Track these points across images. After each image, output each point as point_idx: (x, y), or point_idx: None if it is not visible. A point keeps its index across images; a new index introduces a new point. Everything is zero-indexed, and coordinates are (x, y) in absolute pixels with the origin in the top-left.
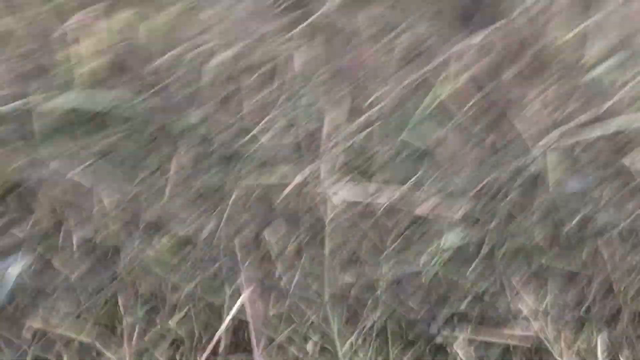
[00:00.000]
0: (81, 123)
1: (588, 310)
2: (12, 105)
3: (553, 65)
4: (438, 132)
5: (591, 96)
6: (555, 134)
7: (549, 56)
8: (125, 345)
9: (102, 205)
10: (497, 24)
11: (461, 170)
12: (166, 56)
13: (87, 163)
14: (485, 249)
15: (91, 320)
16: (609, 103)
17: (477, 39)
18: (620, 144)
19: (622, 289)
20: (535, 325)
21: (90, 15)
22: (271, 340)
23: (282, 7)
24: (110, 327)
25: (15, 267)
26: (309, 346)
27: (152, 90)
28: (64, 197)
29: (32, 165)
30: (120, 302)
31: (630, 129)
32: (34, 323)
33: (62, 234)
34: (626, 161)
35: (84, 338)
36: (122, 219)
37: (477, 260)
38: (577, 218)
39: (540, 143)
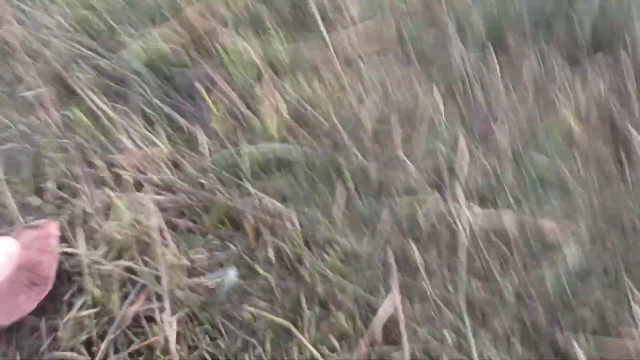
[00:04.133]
0: (276, 166)
1: None
2: (227, 151)
3: None
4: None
5: None
6: None
7: None
8: (305, 333)
9: (291, 226)
10: None
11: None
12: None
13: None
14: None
15: (281, 314)
16: None
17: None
18: None
19: None
20: None
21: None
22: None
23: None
24: (293, 319)
25: (231, 274)
26: (447, 337)
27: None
28: (264, 219)
29: (241, 196)
30: (302, 299)
31: None
32: (244, 314)
33: (263, 247)
34: None
35: (280, 320)
36: (304, 235)
37: (600, 273)
38: None
39: None
